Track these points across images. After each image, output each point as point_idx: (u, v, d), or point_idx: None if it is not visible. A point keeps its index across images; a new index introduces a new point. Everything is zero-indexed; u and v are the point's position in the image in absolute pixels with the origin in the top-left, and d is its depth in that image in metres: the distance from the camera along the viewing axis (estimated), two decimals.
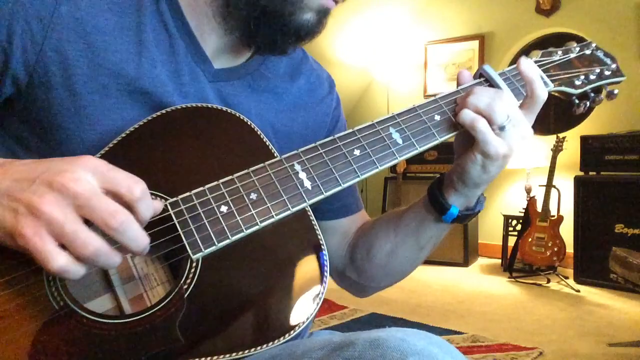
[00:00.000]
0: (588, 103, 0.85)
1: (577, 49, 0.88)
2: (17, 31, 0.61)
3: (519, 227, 4.24)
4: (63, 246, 0.48)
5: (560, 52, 0.86)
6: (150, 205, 0.53)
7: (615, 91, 0.86)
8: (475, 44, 4.89)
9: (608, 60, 0.88)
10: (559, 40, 4.50)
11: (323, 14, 0.73)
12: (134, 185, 0.51)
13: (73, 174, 0.49)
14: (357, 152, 0.68)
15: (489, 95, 0.69)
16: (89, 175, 0.50)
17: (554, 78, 0.81)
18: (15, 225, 0.48)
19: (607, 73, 0.86)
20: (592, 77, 0.84)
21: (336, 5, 0.74)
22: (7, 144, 0.67)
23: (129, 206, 0.51)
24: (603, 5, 4.18)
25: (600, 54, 0.88)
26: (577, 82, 0.83)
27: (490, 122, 0.68)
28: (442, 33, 5.10)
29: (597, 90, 0.86)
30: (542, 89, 0.73)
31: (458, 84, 0.77)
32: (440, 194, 0.77)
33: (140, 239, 0.51)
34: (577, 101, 0.85)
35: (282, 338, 0.59)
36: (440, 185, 0.78)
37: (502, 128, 0.68)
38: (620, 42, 4.08)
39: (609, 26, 4.14)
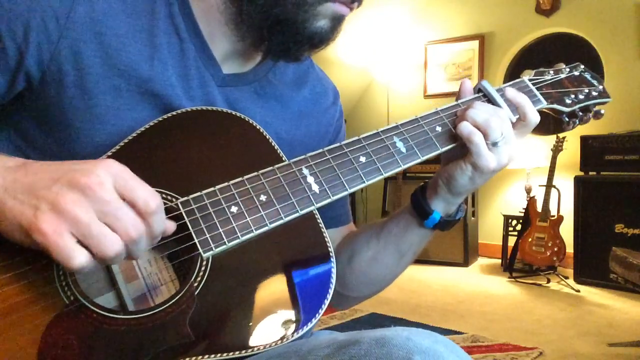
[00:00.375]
0: (577, 121, 0.90)
1: (567, 69, 0.93)
2: (33, 29, 0.62)
3: (519, 227, 4.24)
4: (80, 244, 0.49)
5: (551, 72, 0.90)
6: (163, 221, 0.55)
7: (602, 111, 0.91)
8: (475, 44, 4.90)
9: (595, 82, 0.93)
10: (559, 40, 4.51)
11: (337, 20, 0.73)
12: (151, 198, 0.52)
13: (98, 177, 0.50)
14: (362, 159, 0.70)
15: (488, 111, 0.73)
16: (111, 179, 0.51)
17: (547, 96, 0.86)
18: (34, 221, 0.48)
19: (594, 94, 0.91)
20: (580, 96, 0.89)
21: (351, 12, 0.74)
22: (14, 140, 0.67)
23: (142, 218, 0.52)
24: (603, 5, 4.18)
25: (587, 75, 0.93)
26: (568, 101, 0.87)
27: (485, 137, 0.71)
28: (442, 33, 5.10)
29: (585, 110, 0.90)
30: (534, 113, 0.78)
31: (459, 94, 0.80)
32: (423, 199, 0.79)
33: (144, 251, 0.54)
34: (566, 119, 0.89)
35: (289, 337, 0.60)
36: (423, 191, 0.80)
37: (495, 144, 0.71)
38: (620, 42, 4.08)
39: (609, 26, 4.15)
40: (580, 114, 0.89)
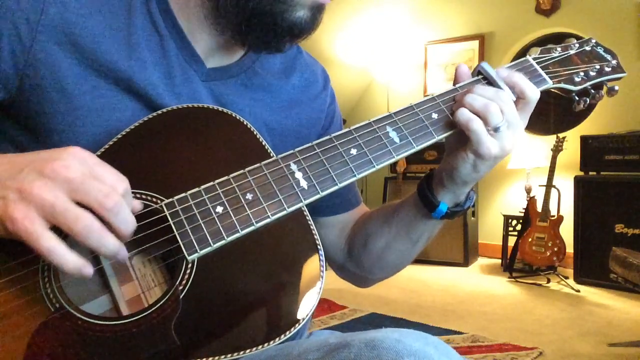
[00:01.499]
0: (588, 100, 0.85)
1: (577, 45, 0.87)
2: (4, 34, 0.61)
3: (519, 227, 4.23)
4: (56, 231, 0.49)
5: (559, 49, 0.85)
6: (131, 205, 0.54)
7: (616, 87, 0.85)
8: (475, 44, 4.89)
9: (608, 57, 0.87)
10: (559, 40, 4.49)
11: (317, 10, 0.71)
12: (118, 181, 0.52)
13: (63, 161, 0.50)
14: (353, 152, 0.68)
15: (487, 95, 0.69)
16: (76, 163, 0.51)
17: (553, 75, 0.81)
18: (5, 210, 0.48)
19: (607, 69, 0.85)
20: (592, 73, 0.84)
21: (330, 1, 0.72)
22: (4, 148, 0.66)
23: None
24: (603, 5, 4.18)
25: (600, 50, 0.88)
26: (577, 79, 0.82)
27: (485, 123, 0.68)
28: (442, 33, 5.10)
29: (597, 87, 0.85)
30: (531, 89, 0.73)
31: (456, 79, 0.77)
32: (429, 190, 0.77)
33: (130, 222, 0.53)
34: (577, 98, 0.84)
35: (278, 339, 0.59)
36: (429, 181, 0.78)
37: (496, 129, 0.68)
38: (620, 42, 4.07)
39: (609, 26, 4.14)
40: (593, 91, 0.84)
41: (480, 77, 0.77)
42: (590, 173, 3.81)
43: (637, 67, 3.97)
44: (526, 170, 4.31)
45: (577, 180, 3.78)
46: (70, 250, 0.49)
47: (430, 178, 0.78)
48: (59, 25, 0.63)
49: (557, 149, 3.92)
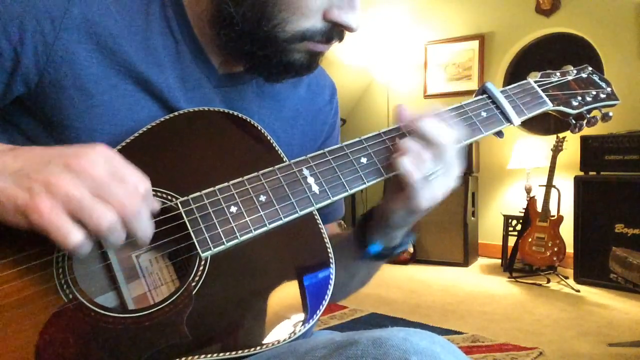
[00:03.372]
0: (584, 124, 0.89)
1: (574, 72, 0.92)
2: (28, 31, 0.61)
3: (519, 227, 4.24)
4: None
5: (558, 74, 0.89)
6: (152, 204, 0.55)
7: (610, 113, 0.89)
8: (475, 44, 4.89)
9: (603, 84, 0.92)
10: (559, 40, 4.51)
11: (315, 55, 0.72)
12: (140, 182, 0.53)
13: (90, 157, 0.51)
14: (364, 160, 0.70)
15: (424, 143, 0.67)
16: (102, 161, 0.52)
17: (553, 98, 0.85)
18: (29, 202, 0.48)
19: (602, 96, 0.90)
20: (588, 98, 0.88)
21: (336, 43, 0.72)
22: (16, 140, 0.67)
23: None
24: (603, 5, 4.18)
25: (595, 77, 0.93)
26: (575, 103, 0.86)
27: (422, 171, 0.66)
28: (442, 33, 5.10)
29: (592, 112, 0.89)
30: (442, 137, 0.67)
31: (399, 119, 0.73)
32: (363, 229, 0.77)
33: (149, 228, 0.54)
34: (573, 121, 0.88)
35: (288, 337, 0.59)
36: (367, 220, 0.78)
37: (428, 178, 0.67)
38: (620, 42, 4.08)
39: (609, 26, 4.14)
40: (588, 116, 0.88)
41: (485, 96, 0.80)
42: (590, 173, 3.82)
43: (637, 67, 3.98)
44: (526, 170, 4.32)
45: (577, 180, 3.78)
46: (92, 241, 0.51)
47: (370, 216, 0.78)
48: (82, 25, 0.64)
49: (557, 149, 3.93)
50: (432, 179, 0.67)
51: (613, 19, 4.13)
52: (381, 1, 4.85)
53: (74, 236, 0.49)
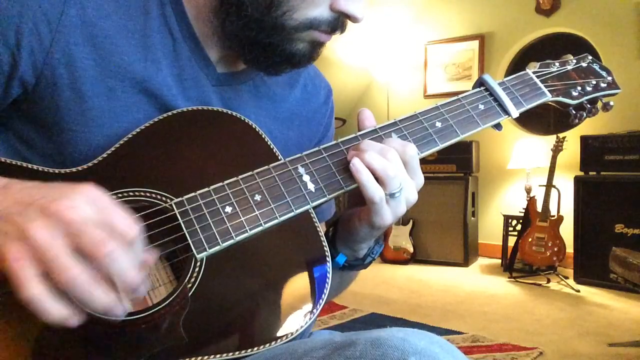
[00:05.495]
0: (584, 114, 0.87)
1: (574, 61, 0.90)
2: (25, 34, 0.61)
3: (519, 227, 4.24)
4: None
5: (557, 64, 0.88)
6: (140, 253, 0.50)
7: (611, 102, 0.88)
8: (475, 44, 4.89)
9: (604, 73, 0.90)
10: (559, 40, 4.51)
11: (317, 45, 0.72)
12: (129, 227, 0.49)
13: (70, 201, 0.47)
14: None
15: (387, 158, 0.66)
16: (86, 205, 0.48)
17: (552, 88, 0.83)
18: (1, 247, 0.46)
19: (602, 85, 0.88)
20: (588, 88, 0.87)
21: (340, 33, 0.73)
22: (12, 143, 0.67)
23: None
24: (603, 5, 4.18)
25: (596, 66, 0.91)
26: (574, 93, 0.85)
27: (384, 186, 0.65)
28: (442, 33, 5.10)
29: (593, 102, 0.88)
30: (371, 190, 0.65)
31: (360, 124, 0.74)
32: (332, 241, 0.76)
33: (128, 273, 0.47)
34: (573, 111, 0.87)
35: (284, 338, 0.59)
36: (335, 230, 0.77)
37: (392, 195, 0.65)
38: (620, 42, 4.08)
39: (609, 26, 4.14)
40: (589, 106, 0.87)
41: (482, 88, 0.79)
42: (590, 173, 3.82)
43: (637, 67, 3.98)
44: (526, 170, 4.32)
45: (577, 180, 3.78)
46: (57, 300, 0.45)
47: (337, 225, 0.77)
48: (78, 26, 0.64)
49: (557, 149, 3.93)
50: (396, 196, 0.66)
51: (613, 19, 4.13)
52: (381, 1, 4.85)
53: (29, 288, 0.44)
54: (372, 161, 0.65)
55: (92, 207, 0.48)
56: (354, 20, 0.71)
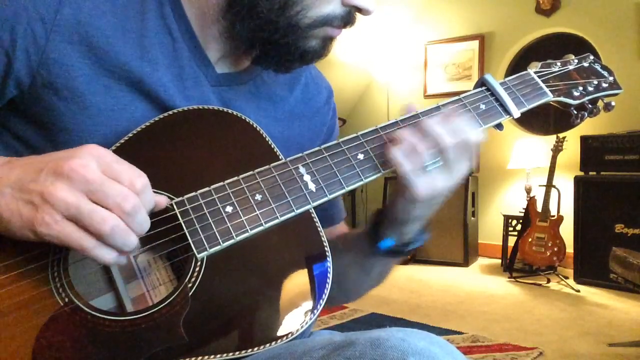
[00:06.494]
0: (586, 114, 0.87)
1: (575, 61, 0.90)
2: (19, 33, 0.61)
3: (519, 227, 4.24)
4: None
5: (559, 64, 0.87)
6: (151, 199, 0.55)
7: (613, 103, 0.87)
8: (475, 44, 4.89)
9: (605, 73, 0.90)
10: (559, 40, 4.51)
11: (329, 40, 0.73)
12: (136, 178, 0.53)
13: (80, 159, 0.51)
14: (360, 157, 0.69)
15: (428, 131, 0.67)
16: (94, 162, 0.51)
17: (554, 88, 0.83)
18: (35, 216, 0.49)
19: (604, 85, 0.88)
20: (590, 88, 0.86)
21: (350, 27, 0.74)
22: (10, 144, 0.67)
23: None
24: (603, 5, 4.18)
25: (597, 66, 0.91)
26: (576, 93, 0.85)
27: (414, 164, 0.66)
28: (442, 33, 5.10)
29: (594, 102, 0.87)
30: (451, 138, 0.67)
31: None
32: (375, 225, 0.77)
33: (145, 224, 0.54)
34: (575, 112, 0.86)
35: (284, 338, 0.59)
36: (381, 215, 0.77)
37: (424, 169, 0.67)
38: (621, 42, 4.08)
39: (609, 26, 4.14)
40: (590, 106, 0.86)
41: (483, 88, 0.78)
42: (590, 173, 3.82)
43: (637, 67, 3.98)
44: (526, 170, 4.31)
45: (577, 180, 3.78)
46: (104, 246, 0.52)
47: (383, 212, 0.78)
48: (73, 26, 0.63)
49: (557, 149, 3.93)
50: (430, 169, 0.67)
51: (613, 19, 4.13)
52: (381, 1, 4.84)
53: (86, 242, 0.50)
54: (405, 136, 0.67)
55: (99, 163, 0.52)
56: (366, 13, 0.72)
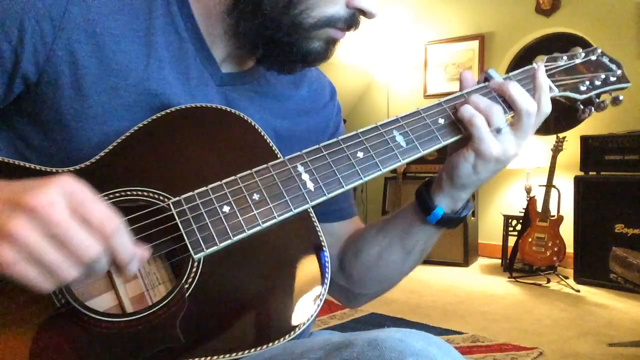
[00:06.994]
0: (593, 109, 0.85)
1: (583, 54, 0.87)
2: (27, 30, 0.61)
3: (519, 227, 4.24)
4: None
5: (565, 58, 0.85)
6: (125, 243, 0.50)
7: (621, 97, 0.85)
8: (475, 44, 4.89)
9: (613, 67, 0.88)
10: (559, 40, 4.50)
11: (332, 43, 0.73)
12: (107, 219, 0.49)
13: (47, 196, 0.46)
14: (360, 155, 0.68)
15: (491, 99, 0.71)
16: (62, 198, 0.47)
17: (559, 83, 0.81)
18: None
19: (612, 79, 0.86)
20: (597, 82, 0.84)
21: (354, 30, 0.75)
22: (12, 142, 0.67)
23: (98, 239, 0.48)
24: (603, 5, 4.18)
25: (605, 59, 0.88)
26: (582, 88, 0.83)
27: (488, 123, 0.69)
28: (442, 33, 5.10)
29: (602, 96, 0.85)
30: (548, 103, 0.75)
31: (461, 85, 0.77)
32: (427, 194, 0.77)
33: (103, 272, 0.51)
34: (581, 106, 0.84)
35: (282, 339, 0.59)
36: (428, 186, 0.78)
37: (499, 130, 0.69)
38: (620, 42, 4.08)
39: (609, 26, 4.14)
40: (597, 100, 0.85)
41: (487, 83, 0.77)
42: (590, 173, 3.82)
43: (637, 67, 3.97)
44: (526, 170, 4.31)
45: (577, 180, 3.78)
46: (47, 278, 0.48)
47: (430, 183, 0.79)
48: (81, 24, 0.64)
49: (557, 149, 3.93)
50: (504, 132, 0.70)
51: (613, 19, 4.13)
52: (381, 1, 4.85)
53: (44, 285, 0.47)
54: (478, 100, 0.71)
55: (69, 200, 0.47)
56: (370, 16, 0.72)
